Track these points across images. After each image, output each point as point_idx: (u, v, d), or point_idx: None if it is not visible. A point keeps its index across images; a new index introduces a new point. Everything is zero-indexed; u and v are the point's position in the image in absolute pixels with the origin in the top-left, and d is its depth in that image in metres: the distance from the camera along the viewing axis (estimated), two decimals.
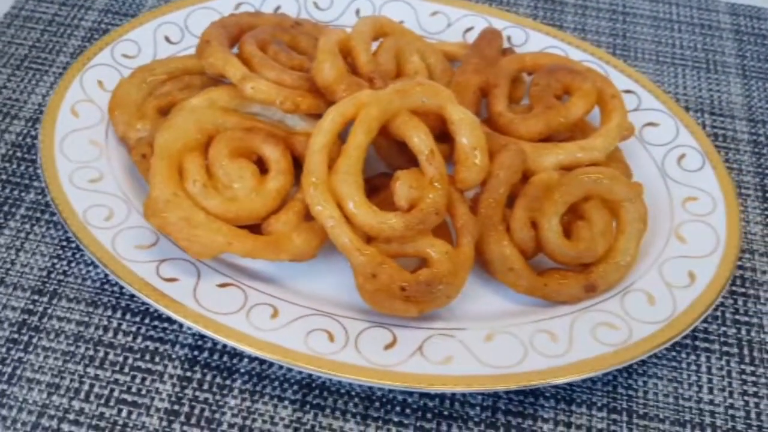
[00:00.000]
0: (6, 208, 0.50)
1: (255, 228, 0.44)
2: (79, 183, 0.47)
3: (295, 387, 0.43)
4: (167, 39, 0.57)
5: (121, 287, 0.46)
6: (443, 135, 0.47)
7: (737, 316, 0.48)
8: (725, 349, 0.47)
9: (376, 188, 0.47)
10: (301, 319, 0.42)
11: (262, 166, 0.46)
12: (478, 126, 0.45)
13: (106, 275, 0.47)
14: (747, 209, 0.54)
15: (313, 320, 0.42)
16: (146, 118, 0.50)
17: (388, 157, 0.49)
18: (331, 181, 0.42)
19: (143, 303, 0.45)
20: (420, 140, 0.44)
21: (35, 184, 0.52)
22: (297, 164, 0.47)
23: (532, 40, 0.59)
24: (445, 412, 0.42)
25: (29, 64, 0.60)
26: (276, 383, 0.43)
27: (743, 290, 0.50)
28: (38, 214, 0.50)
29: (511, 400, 0.43)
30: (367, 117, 0.43)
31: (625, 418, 0.43)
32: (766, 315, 0.48)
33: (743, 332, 0.48)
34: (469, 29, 0.60)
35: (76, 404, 0.41)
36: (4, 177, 0.52)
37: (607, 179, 0.45)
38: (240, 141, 0.45)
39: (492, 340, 0.42)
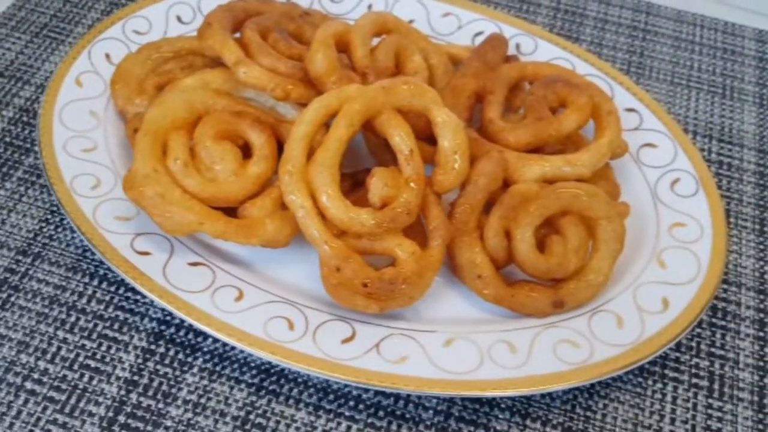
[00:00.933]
0: (5, 170, 0.52)
1: (232, 211, 0.45)
2: (73, 151, 0.49)
3: (254, 371, 0.43)
4: (179, 18, 0.58)
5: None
6: (430, 138, 0.47)
7: (713, 349, 0.47)
8: (695, 381, 0.46)
9: (360, 183, 0.47)
10: (265, 304, 0.43)
11: (247, 151, 0.47)
12: (461, 130, 0.44)
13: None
14: (741, 241, 0.53)
15: (276, 307, 0.43)
16: (145, 94, 0.51)
17: (377, 152, 0.49)
18: (307, 172, 0.43)
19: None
20: (401, 139, 0.44)
21: (35, 148, 0.54)
22: (282, 152, 0.47)
23: (540, 49, 0.58)
24: (398, 412, 0.42)
25: (47, 32, 0.62)
26: (236, 365, 0.43)
27: (723, 323, 0.48)
28: (34, 178, 0.52)
29: (466, 408, 0.43)
30: (349, 111, 0.43)
31: None
32: (743, 351, 0.47)
33: (716, 366, 0.46)
34: (478, 33, 0.59)
35: (41, 364, 0.43)
36: (8, 139, 0.54)
37: (586, 196, 0.44)
38: (226, 124, 0.46)
39: (451, 345, 0.42)
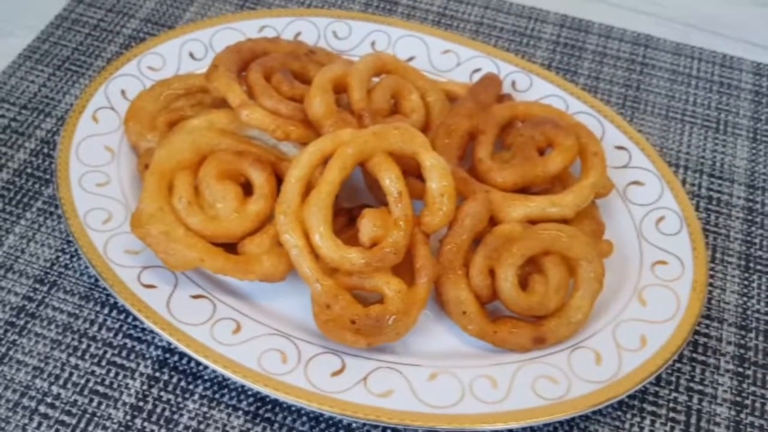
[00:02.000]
0: (26, 200, 0.56)
1: (233, 246, 0.48)
2: (87, 185, 0.52)
3: (251, 399, 0.46)
4: (191, 55, 0.62)
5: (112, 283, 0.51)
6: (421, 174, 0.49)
7: (692, 384, 0.49)
8: (672, 415, 0.47)
9: (356, 219, 0.50)
10: (261, 337, 0.46)
11: (249, 189, 0.50)
12: (449, 173, 0.47)
13: None
14: (726, 277, 0.54)
15: (271, 340, 0.46)
16: (156, 130, 0.55)
17: (374, 188, 0.52)
18: (302, 212, 0.45)
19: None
20: (390, 182, 0.46)
21: (54, 179, 0.57)
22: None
23: (535, 86, 0.60)
24: None
25: (69, 65, 0.65)
26: (233, 393, 0.46)
27: (704, 358, 0.50)
28: (52, 209, 0.55)
29: None
30: (342, 155, 0.46)
31: None
32: (721, 386, 0.49)
33: (695, 400, 0.48)
34: (476, 70, 0.61)
35: (54, 389, 0.46)
36: (29, 170, 0.58)
37: (567, 237, 0.46)
38: (229, 163, 0.49)
39: (435, 379, 0.45)
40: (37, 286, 0.51)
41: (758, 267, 0.55)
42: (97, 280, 0.51)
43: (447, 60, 0.63)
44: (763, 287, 0.54)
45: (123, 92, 0.59)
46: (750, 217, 0.58)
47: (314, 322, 0.46)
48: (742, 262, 0.55)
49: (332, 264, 0.45)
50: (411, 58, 0.62)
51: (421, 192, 0.49)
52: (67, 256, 0.53)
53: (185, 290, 0.48)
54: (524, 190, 0.51)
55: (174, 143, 0.49)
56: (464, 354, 0.47)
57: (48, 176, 0.57)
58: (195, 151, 0.49)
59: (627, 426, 0.47)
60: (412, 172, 0.49)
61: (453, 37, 0.64)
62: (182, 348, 0.44)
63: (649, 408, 0.48)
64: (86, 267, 0.52)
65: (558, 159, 0.50)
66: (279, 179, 0.50)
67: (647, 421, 0.47)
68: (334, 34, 0.64)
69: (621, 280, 0.50)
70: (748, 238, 0.57)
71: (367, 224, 0.45)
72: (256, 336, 0.46)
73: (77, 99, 0.62)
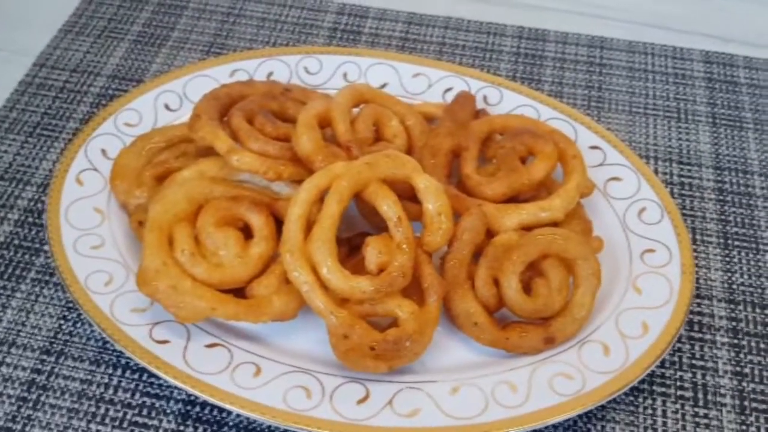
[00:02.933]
0: (18, 272, 0.55)
1: (240, 290, 0.49)
2: (82, 250, 0.52)
3: None
4: (167, 107, 0.62)
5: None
6: (416, 197, 0.51)
7: (693, 361, 0.51)
8: (680, 393, 0.50)
9: (357, 247, 0.51)
10: (281, 376, 0.46)
11: (248, 231, 0.50)
12: (442, 192, 0.49)
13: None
14: (708, 256, 0.57)
15: (292, 377, 0.46)
16: (144, 185, 0.55)
17: (368, 216, 0.53)
18: (306, 248, 0.46)
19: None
20: (388, 208, 0.48)
21: (45, 248, 0.57)
22: (281, 228, 0.51)
23: (506, 98, 0.63)
24: None
25: (41, 131, 0.65)
26: None
27: (700, 335, 0.53)
28: (47, 278, 0.55)
29: None
30: (339, 188, 0.47)
31: None
32: (720, 359, 0.51)
33: (698, 376, 0.51)
34: (448, 89, 0.64)
35: None
36: (16, 242, 0.57)
37: (562, 239, 0.48)
38: (226, 210, 0.50)
39: (457, 392, 0.46)
40: (44, 357, 0.50)
41: (736, 243, 0.58)
42: (105, 342, 0.51)
43: (418, 83, 0.65)
44: (744, 261, 0.57)
45: (103, 152, 0.59)
46: (721, 198, 0.61)
47: (332, 354, 0.47)
48: (721, 241, 0.58)
49: (343, 295, 0.46)
50: (384, 85, 0.64)
51: (416, 214, 0.50)
52: (70, 323, 0.52)
53: (199, 341, 0.48)
54: (512, 199, 0.53)
55: (168, 197, 0.49)
56: (479, 364, 0.48)
57: (37, 245, 0.57)
58: (190, 202, 0.50)
59: (641, 409, 0.49)
60: (404, 195, 0.51)
61: (421, 61, 0.66)
62: (206, 398, 0.45)
63: (659, 389, 0.50)
64: (92, 332, 0.52)
65: (541, 166, 0.53)
66: (276, 219, 0.51)
67: (658, 402, 0.49)
68: (305, 70, 0.65)
69: (614, 273, 0.52)
70: (723, 217, 0.60)
71: (372, 252, 0.46)
72: (277, 376, 0.46)
73: (57, 164, 0.62)
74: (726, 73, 0.71)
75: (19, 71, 0.70)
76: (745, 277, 0.56)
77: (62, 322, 0.52)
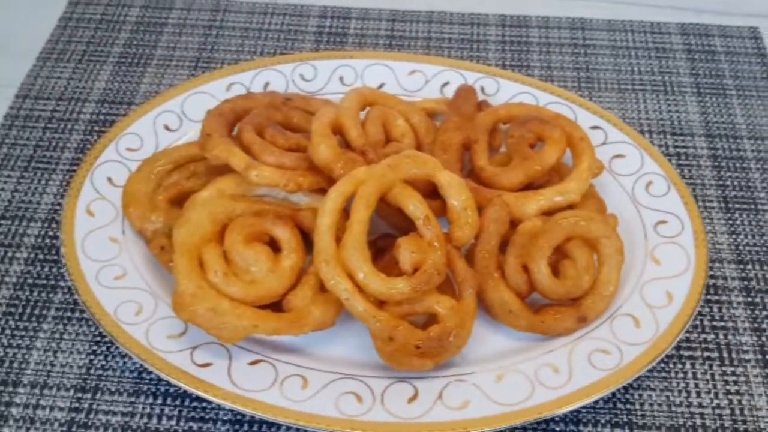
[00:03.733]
0: (37, 311, 0.54)
1: (275, 305, 0.49)
2: (106, 282, 0.51)
3: None
4: (167, 127, 0.61)
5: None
6: (434, 193, 0.51)
7: (714, 323, 0.54)
8: (707, 354, 0.52)
9: (382, 250, 0.52)
10: (329, 385, 0.47)
11: (274, 244, 0.51)
12: (465, 187, 0.49)
13: (142, 364, 0.51)
14: (713, 221, 0.60)
15: (340, 384, 0.47)
16: (159, 209, 0.54)
17: (388, 218, 0.53)
18: (340, 256, 0.47)
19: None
20: (415, 207, 0.48)
21: (61, 284, 0.56)
22: (305, 237, 0.51)
23: (503, 88, 0.64)
24: None
25: (36, 164, 0.63)
26: None
27: (717, 297, 0.55)
28: (69, 314, 0.54)
29: (526, 430, 0.48)
30: (365, 193, 0.48)
31: (627, 431, 0.48)
32: (739, 318, 0.54)
33: (721, 337, 0.53)
34: (445, 84, 0.64)
35: None
36: (30, 281, 0.56)
37: (584, 221, 0.50)
38: (251, 226, 0.50)
39: (502, 380, 0.47)
40: (80, 395, 0.50)
41: (737, 206, 0.61)
42: (141, 372, 0.50)
43: (415, 80, 0.65)
44: (746, 222, 0.60)
45: (110, 180, 0.58)
46: (716, 164, 0.64)
47: (375, 357, 0.47)
48: (722, 205, 0.61)
49: (382, 298, 0.46)
50: (381, 85, 0.65)
51: (437, 210, 0.51)
52: (101, 357, 0.52)
53: (242, 359, 0.48)
54: (527, 186, 0.54)
55: (192, 220, 0.49)
56: (516, 350, 0.50)
57: (53, 282, 0.56)
58: (214, 222, 0.50)
59: (672, 374, 0.51)
60: (422, 192, 0.51)
61: (415, 57, 0.67)
62: (259, 415, 0.45)
63: (686, 353, 0.52)
64: (125, 363, 0.51)
65: (552, 151, 0.54)
66: (300, 229, 0.51)
67: (688, 366, 0.51)
68: (301, 77, 0.65)
69: (631, 247, 0.54)
70: (720, 182, 0.62)
71: (406, 252, 0.47)
72: (325, 385, 0.47)
73: (60, 194, 0.61)
74: (703, 43, 0.74)
75: (2, 104, 0.68)
76: (749, 237, 0.59)
77: (93, 357, 0.52)
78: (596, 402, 0.49)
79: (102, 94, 0.69)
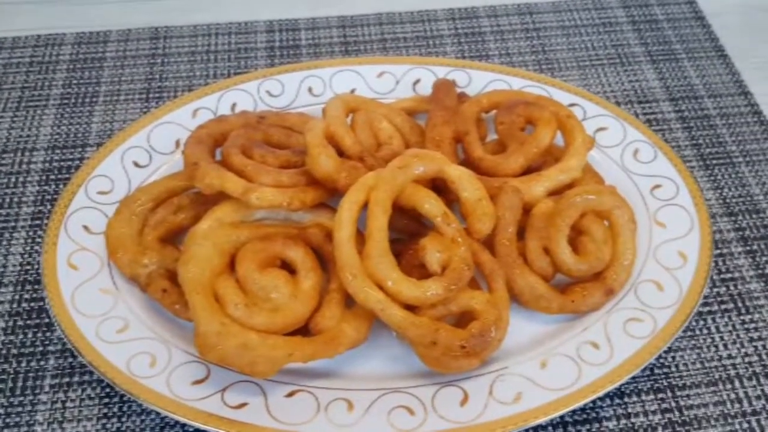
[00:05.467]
0: (31, 383, 0.49)
1: (301, 330, 0.46)
2: (108, 337, 0.47)
3: None
4: (136, 164, 0.57)
5: (184, 425, 0.46)
6: (436, 189, 0.50)
7: (722, 276, 0.55)
8: (723, 307, 0.53)
9: (396, 255, 0.50)
10: (375, 403, 0.44)
11: (287, 267, 0.48)
12: (475, 179, 0.49)
13: (163, 418, 0.47)
14: (697, 179, 0.62)
15: (386, 400, 0.44)
16: (150, 250, 0.50)
17: (396, 222, 0.51)
18: (366, 267, 0.44)
19: None
20: (431, 206, 0.47)
21: (50, 348, 0.50)
22: (316, 255, 0.49)
23: (475, 79, 0.63)
24: None
25: None
26: None
27: (717, 251, 0.57)
28: (67, 379, 0.49)
29: (574, 411, 0.47)
30: (380, 198, 0.46)
31: (669, 395, 0.49)
32: (743, 267, 0.56)
33: (732, 288, 0.55)
34: (417, 81, 0.63)
35: None
36: (14, 351, 0.50)
37: (594, 195, 0.50)
38: (262, 252, 0.47)
39: (546, 365, 0.46)
40: None
41: (713, 161, 0.63)
42: (162, 428, 0.46)
43: (385, 82, 0.64)
44: (726, 176, 0.62)
45: (86, 228, 0.53)
46: (686, 125, 0.66)
47: (412, 367, 0.46)
48: (701, 163, 0.63)
49: (416, 303, 0.45)
50: (352, 91, 0.63)
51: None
52: (114, 420, 0.47)
53: (277, 393, 0.45)
54: (527, 171, 0.54)
55: (198, 254, 0.46)
56: (549, 334, 0.49)
57: (41, 348, 0.50)
58: (221, 254, 0.46)
59: (698, 332, 0.52)
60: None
61: (380, 60, 0.65)
62: None
63: (704, 309, 0.53)
64: (143, 420, 0.47)
65: (545, 132, 0.54)
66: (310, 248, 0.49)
67: (709, 320, 0.53)
68: (269, 93, 0.63)
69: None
70: (694, 142, 0.65)
71: (432, 252, 0.45)
72: (371, 403, 0.44)
73: (28, 253, 0.55)
74: (645, 14, 0.77)
75: None
76: (733, 189, 0.61)
77: (104, 420, 0.47)
78: None
79: (50, 140, 0.64)
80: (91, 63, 0.71)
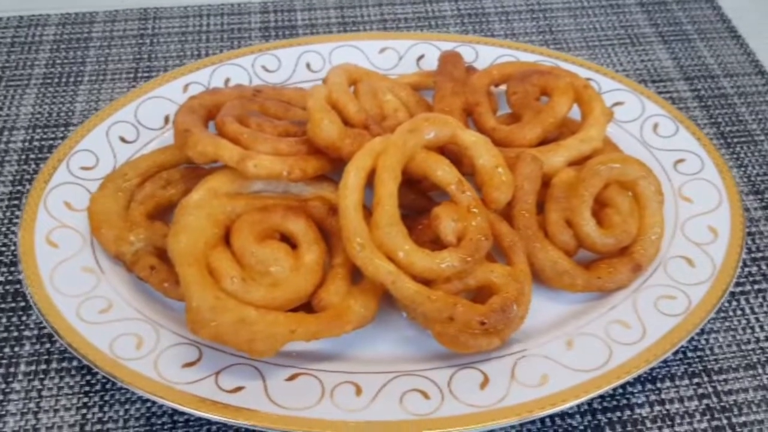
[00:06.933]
0: (3, 370, 0.44)
1: (304, 307, 0.42)
2: (90, 317, 0.42)
3: None
4: (123, 139, 0.53)
5: (173, 413, 0.41)
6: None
7: (753, 255, 0.52)
8: (756, 287, 0.50)
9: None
10: (386, 386, 0.40)
11: (288, 241, 0.44)
12: (492, 145, 0.45)
13: (149, 408, 0.42)
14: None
15: (398, 384, 0.40)
16: (138, 226, 0.46)
17: (399, 197, 0.48)
18: (375, 237, 0.41)
19: (205, 421, 0.41)
20: (445, 172, 0.43)
21: (26, 333, 0.46)
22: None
23: (482, 54, 0.60)
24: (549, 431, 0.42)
25: None
26: None
27: (747, 230, 0.53)
28: (44, 366, 0.44)
29: (603, 398, 0.43)
30: (389, 163, 0.42)
31: (705, 379, 0.45)
32: None
33: (763, 267, 0.51)
34: (420, 57, 0.60)
35: None
36: None
37: (619, 163, 0.46)
38: (261, 223, 0.43)
39: (573, 345, 0.42)
40: None
41: (735, 140, 0.60)
42: (149, 418, 0.42)
43: (388, 58, 0.61)
44: (749, 154, 0.59)
45: (68, 204, 0.49)
46: (703, 104, 0.63)
47: (424, 349, 0.42)
48: (722, 141, 0.60)
49: (430, 275, 0.41)
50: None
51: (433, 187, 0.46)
52: (96, 410, 0.42)
53: (276, 376, 0.40)
54: (542, 142, 0.50)
55: (191, 224, 0.41)
56: (573, 314, 0.45)
57: (16, 333, 0.46)
58: (215, 225, 0.42)
59: (731, 313, 0.48)
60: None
61: (383, 35, 0.62)
62: None
63: (737, 290, 0.50)
64: (126, 410, 0.42)
65: (562, 101, 0.51)
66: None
67: (742, 301, 0.49)
68: (264, 69, 0.59)
69: None
70: (713, 120, 0.62)
71: (447, 221, 0.42)
72: (381, 387, 0.40)
73: (4, 232, 0.51)
74: None
75: None
76: (757, 167, 0.58)
77: (85, 411, 0.42)
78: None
79: (31, 119, 0.60)
80: (77, 43, 0.67)
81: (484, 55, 0.60)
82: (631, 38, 0.69)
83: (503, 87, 0.56)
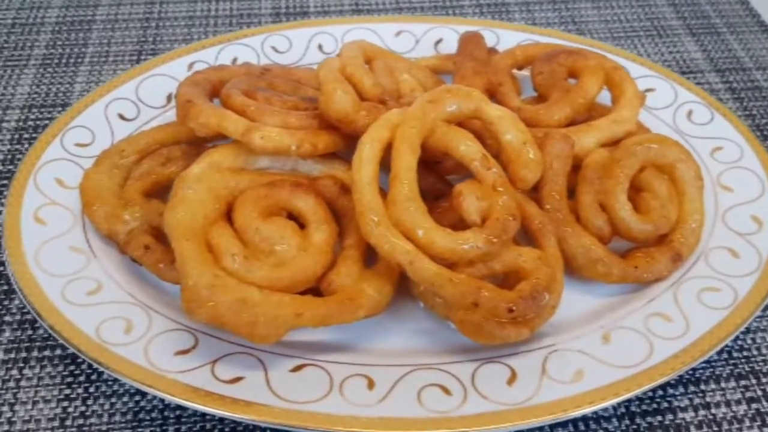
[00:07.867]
0: None
1: (311, 291, 0.38)
2: (76, 299, 0.39)
3: None
4: (122, 116, 0.50)
5: (163, 408, 0.37)
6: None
7: None
8: None
9: None
10: (402, 380, 0.36)
11: (295, 221, 0.40)
12: (519, 120, 0.41)
13: (137, 402, 0.38)
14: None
15: (415, 377, 0.36)
16: (133, 204, 0.42)
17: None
18: (391, 214, 0.37)
19: (198, 417, 0.37)
20: (468, 147, 0.40)
21: (7, 318, 0.42)
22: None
23: (503, 39, 0.57)
24: None
25: None
26: None
27: None
28: (23, 354, 0.40)
29: (642, 401, 0.39)
30: (407, 135, 0.38)
31: (754, 381, 0.40)
32: None
33: None
34: (439, 41, 0.57)
35: None
36: None
37: (657, 144, 0.43)
38: (266, 199, 0.39)
39: (609, 340, 0.38)
40: None
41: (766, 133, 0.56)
42: (137, 413, 0.37)
43: (404, 41, 0.58)
44: None
45: (59, 181, 0.45)
46: (737, 96, 0.60)
47: (443, 342, 0.38)
48: (757, 133, 0.56)
49: (452, 257, 0.37)
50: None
51: (452, 169, 0.42)
52: (78, 402, 0.38)
53: (279, 367, 0.36)
54: (570, 124, 0.47)
55: (190, 197, 0.38)
56: (605, 307, 0.41)
57: None
58: (216, 200, 0.39)
59: None
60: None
61: (398, 18, 0.59)
62: (324, 430, 0.33)
63: None
64: (113, 404, 0.38)
65: (592, 81, 0.47)
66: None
67: None
68: (274, 50, 0.56)
69: None
70: (747, 112, 0.58)
71: (470, 199, 0.38)
72: (397, 381, 0.36)
73: (6, 206, 0.47)
74: None
75: None
76: None
77: (66, 403, 0.38)
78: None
79: (27, 99, 0.57)
80: (79, 25, 0.65)
81: (506, 39, 0.57)
82: (658, 30, 0.66)
83: (526, 72, 0.52)
